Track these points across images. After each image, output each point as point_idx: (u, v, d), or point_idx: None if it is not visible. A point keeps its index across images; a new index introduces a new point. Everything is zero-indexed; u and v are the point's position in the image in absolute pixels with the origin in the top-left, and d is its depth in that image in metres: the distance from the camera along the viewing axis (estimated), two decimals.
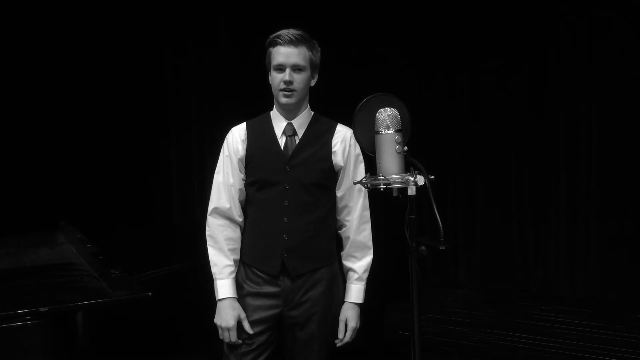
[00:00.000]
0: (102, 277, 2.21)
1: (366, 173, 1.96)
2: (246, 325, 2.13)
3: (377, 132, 1.95)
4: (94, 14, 4.99)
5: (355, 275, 2.21)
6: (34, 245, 3.05)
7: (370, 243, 2.24)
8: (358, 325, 2.22)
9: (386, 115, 1.94)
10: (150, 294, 2.03)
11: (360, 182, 1.96)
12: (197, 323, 2.22)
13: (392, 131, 1.93)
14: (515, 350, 4.02)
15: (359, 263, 2.22)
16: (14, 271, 2.58)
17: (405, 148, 1.96)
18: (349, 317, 2.19)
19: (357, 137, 2.04)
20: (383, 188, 1.91)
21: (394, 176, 1.90)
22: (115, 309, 2.27)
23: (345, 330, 2.19)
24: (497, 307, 4.94)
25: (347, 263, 2.23)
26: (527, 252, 5.28)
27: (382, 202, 2.13)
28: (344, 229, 2.23)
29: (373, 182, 1.92)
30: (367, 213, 2.24)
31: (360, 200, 2.21)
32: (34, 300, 1.92)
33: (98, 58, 5.07)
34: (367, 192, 2.21)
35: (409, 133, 2.03)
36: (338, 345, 2.19)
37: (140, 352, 2.54)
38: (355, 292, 2.21)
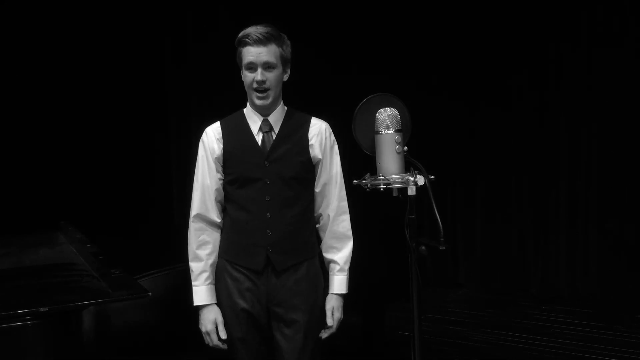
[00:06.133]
0: (102, 277, 2.21)
1: (366, 174, 1.95)
2: (221, 331, 2.15)
3: (377, 132, 1.95)
4: (92, 10, 4.98)
5: (337, 267, 2.23)
6: (34, 245, 3.04)
7: (350, 233, 2.25)
8: (342, 316, 2.24)
9: (386, 115, 1.95)
10: (150, 293, 2.03)
11: (360, 182, 1.96)
12: (196, 323, 2.22)
13: (392, 131, 1.93)
14: (515, 350, 4.02)
15: (339, 254, 2.23)
16: (14, 271, 2.58)
17: (405, 148, 1.96)
18: (334, 307, 2.21)
19: (357, 137, 2.04)
20: (383, 188, 1.91)
21: (394, 176, 1.91)
22: (116, 308, 2.27)
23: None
24: (497, 307, 4.94)
25: (327, 255, 2.25)
26: (527, 252, 5.28)
27: (380, 201, 2.13)
28: (322, 221, 2.25)
29: (373, 182, 1.92)
30: (345, 204, 2.25)
31: (337, 192, 2.22)
32: (34, 300, 1.91)
33: (96, 57, 5.06)
34: (343, 183, 2.24)
35: (409, 133, 2.03)
36: (324, 337, 2.21)
37: (140, 351, 2.54)
38: (338, 283, 2.22)
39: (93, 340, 2.03)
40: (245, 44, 2.08)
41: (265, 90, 2.10)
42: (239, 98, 2.26)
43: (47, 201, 4.63)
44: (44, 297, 2.07)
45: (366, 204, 2.62)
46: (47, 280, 2.40)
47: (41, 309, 1.82)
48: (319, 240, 2.28)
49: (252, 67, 2.09)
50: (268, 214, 2.13)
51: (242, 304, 2.15)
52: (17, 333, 1.80)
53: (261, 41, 2.06)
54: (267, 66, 2.08)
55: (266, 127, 2.16)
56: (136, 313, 2.48)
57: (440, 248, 1.77)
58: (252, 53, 2.07)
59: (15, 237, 3.29)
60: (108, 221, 5.00)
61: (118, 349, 2.38)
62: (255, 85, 2.09)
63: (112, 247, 2.71)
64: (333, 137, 2.23)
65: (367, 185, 1.95)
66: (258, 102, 2.12)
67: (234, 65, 2.19)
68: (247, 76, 2.11)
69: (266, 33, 2.07)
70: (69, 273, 2.49)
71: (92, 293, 2.09)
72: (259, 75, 2.08)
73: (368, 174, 1.96)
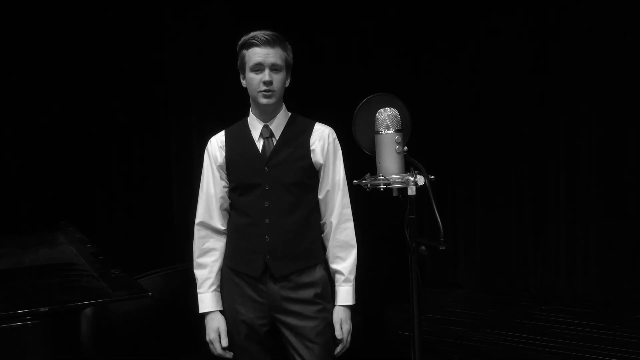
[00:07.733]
0: (102, 277, 2.20)
1: (366, 174, 1.95)
2: (223, 338, 2.14)
3: (377, 132, 1.95)
4: (92, 12, 4.97)
5: (342, 277, 2.16)
6: (34, 245, 3.04)
7: (354, 241, 2.19)
8: (352, 328, 2.18)
9: (386, 115, 1.95)
10: (150, 294, 2.02)
11: (360, 182, 1.96)
12: (196, 323, 2.22)
13: (392, 131, 1.93)
14: (515, 350, 4.02)
15: (343, 264, 2.17)
16: (14, 271, 2.58)
17: (405, 148, 1.96)
18: (342, 320, 2.15)
19: (357, 137, 2.04)
20: (383, 188, 1.91)
21: (394, 176, 1.91)
22: (116, 308, 2.27)
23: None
24: (497, 307, 4.94)
25: (332, 265, 2.19)
26: (527, 252, 5.29)
27: (380, 201, 2.13)
28: (326, 229, 2.20)
29: (373, 182, 1.92)
30: (348, 211, 2.19)
31: (339, 199, 2.17)
32: (34, 300, 1.91)
33: (96, 58, 5.06)
34: (347, 190, 2.19)
35: (409, 133, 2.03)
36: (337, 352, 2.16)
37: (140, 351, 2.54)
38: (344, 294, 2.16)
39: (92, 340, 2.02)
40: (252, 45, 2.07)
41: (271, 91, 2.08)
42: (240, 99, 2.26)
43: (47, 201, 4.63)
44: (44, 297, 2.06)
45: (366, 204, 2.62)
46: (47, 280, 2.40)
47: (41, 309, 1.82)
48: (324, 249, 2.22)
49: (259, 68, 2.07)
50: (267, 219, 2.11)
51: (243, 312, 2.13)
52: (17, 333, 1.80)
53: (268, 42, 2.06)
54: (273, 68, 2.07)
55: (267, 133, 2.15)
56: (136, 313, 2.49)
57: (440, 248, 1.77)
58: (259, 54, 2.06)
59: (15, 237, 3.29)
60: (108, 221, 5.00)
61: (118, 349, 2.38)
62: (262, 87, 2.07)
63: (112, 247, 2.71)
64: (337, 143, 2.19)
65: (367, 185, 1.94)
66: (263, 100, 2.09)
67: (233, 67, 2.17)
68: (254, 78, 2.08)
69: (273, 35, 2.07)
70: (69, 273, 2.48)
71: (92, 293, 2.09)
72: (266, 75, 2.06)
73: (368, 174, 1.95)
